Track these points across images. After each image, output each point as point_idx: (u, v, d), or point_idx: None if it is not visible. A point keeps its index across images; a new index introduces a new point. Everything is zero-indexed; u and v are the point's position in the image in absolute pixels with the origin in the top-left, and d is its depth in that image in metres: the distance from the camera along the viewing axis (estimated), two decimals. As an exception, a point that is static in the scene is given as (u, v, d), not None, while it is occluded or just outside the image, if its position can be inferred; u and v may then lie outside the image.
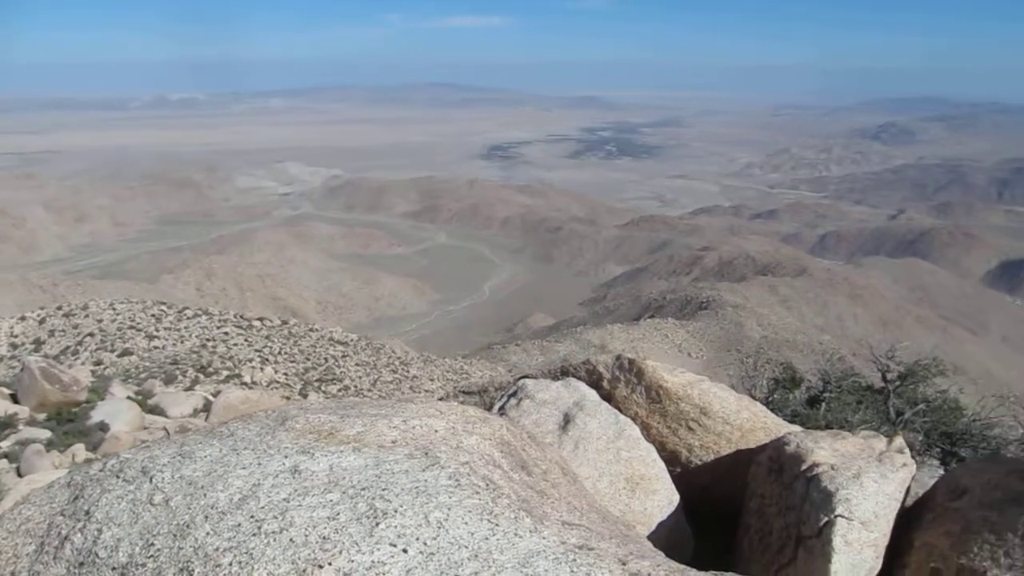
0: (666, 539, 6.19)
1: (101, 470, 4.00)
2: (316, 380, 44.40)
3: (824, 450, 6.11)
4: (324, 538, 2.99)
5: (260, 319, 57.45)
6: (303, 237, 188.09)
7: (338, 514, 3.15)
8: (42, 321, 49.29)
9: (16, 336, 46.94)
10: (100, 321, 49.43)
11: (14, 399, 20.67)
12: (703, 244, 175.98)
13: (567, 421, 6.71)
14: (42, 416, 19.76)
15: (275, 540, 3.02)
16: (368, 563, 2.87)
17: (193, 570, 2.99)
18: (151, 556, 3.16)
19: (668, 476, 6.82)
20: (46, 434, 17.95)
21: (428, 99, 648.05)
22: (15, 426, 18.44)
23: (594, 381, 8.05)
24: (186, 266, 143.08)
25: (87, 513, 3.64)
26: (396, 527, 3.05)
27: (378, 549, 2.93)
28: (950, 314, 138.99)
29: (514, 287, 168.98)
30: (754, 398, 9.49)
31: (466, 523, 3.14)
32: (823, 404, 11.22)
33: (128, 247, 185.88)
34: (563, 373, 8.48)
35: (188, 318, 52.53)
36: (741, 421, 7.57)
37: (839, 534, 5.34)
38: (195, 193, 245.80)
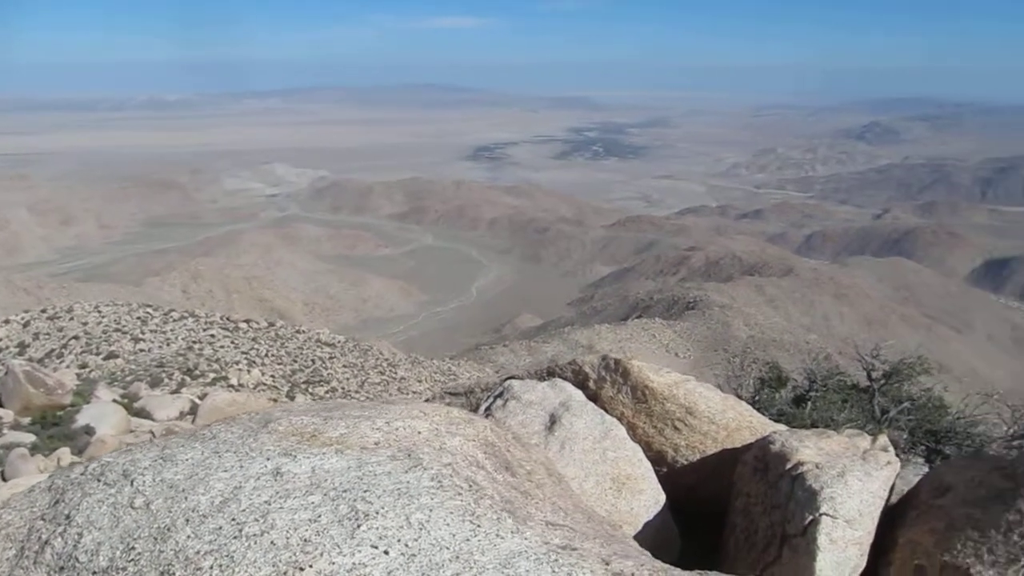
0: (653, 539, 6.19)
1: (82, 474, 3.97)
2: (303, 382, 44.28)
3: (809, 449, 6.12)
4: (305, 540, 2.98)
5: (247, 321, 57.22)
6: (290, 239, 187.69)
7: (319, 516, 3.13)
8: (26, 324, 48.92)
9: (0, 339, 46.59)
10: (85, 324, 49.10)
11: (-2, 403, 20.50)
12: (690, 244, 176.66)
13: (553, 422, 6.70)
14: (27, 420, 19.59)
15: (256, 543, 3.00)
16: (349, 565, 2.85)
17: (174, 573, 2.97)
18: (132, 560, 3.13)
19: (654, 476, 6.82)
20: (31, 438, 17.80)
21: (414, 100, 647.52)
22: (-1, 430, 18.31)
23: (580, 381, 8.05)
24: (172, 268, 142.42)
25: (68, 517, 3.61)
26: (377, 529, 3.04)
27: (359, 551, 2.92)
28: (935, 313, 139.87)
29: (501, 288, 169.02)
30: (740, 397, 9.51)
31: (448, 524, 3.13)
32: (809, 403, 11.24)
33: (114, 249, 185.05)
34: (549, 374, 8.47)
35: (174, 320, 52.27)
36: (727, 420, 7.58)
37: (824, 532, 5.35)
38: (181, 195, 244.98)
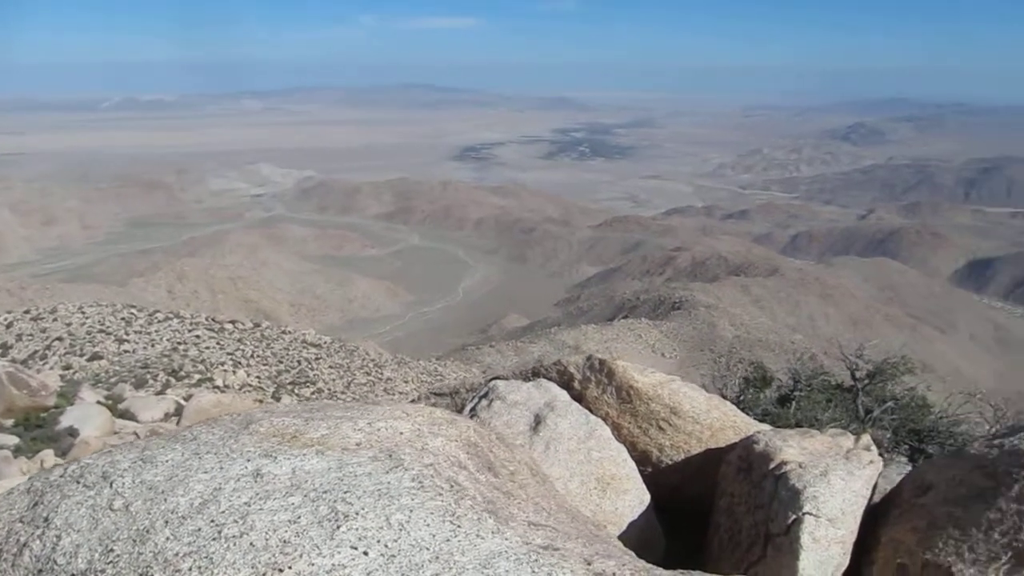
0: (637, 538, 6.20)
1: (61, 476, 3.94)
2: (289, 383, 44.13)
3: (792, 448, 6.15)
4: (285, 542, 2.96)
5: (232, 322, 56.99)
6: (276, 239, 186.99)
7: (299, 517, 3.12)
8: (9, 325, 48.55)
9: (-18, 341, 46.23)
10: (69, 325, 48.80)
11: (-20, 405, 20.34)
12: (676, 244, 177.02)
13: (538, 422, 6.70)
14: (10, 422, 19.45)
15: (235, 544, 2.99)
16: (329, 566, 2.84)
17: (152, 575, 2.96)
18: (110, 562, 3.11)
19: (639, 476, 6.84)
20: (14, 440, 17.67)
21: (401, 100, 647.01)
22: (-19, 433, 18.16)
23: (565, 382, 8.06)
24: (157, 269, 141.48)
25: (46, 520, 3.57)
26: (357, 529, 3.03)
27: (339, 552, 2.90)
28: (919, 313, 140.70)
29: (488, 288, 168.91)
30: (725, 397, 9.55)
31: (428, 525, 3.12)
32: (793, 403, 11.29)
33: (97, 250, 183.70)
34: (534, 374, 8.48)
35: (159, 321, 52.02)
36: (711, 420, 7.61)
37: (807, 531, 5.38)
38: (166, 195, 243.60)
